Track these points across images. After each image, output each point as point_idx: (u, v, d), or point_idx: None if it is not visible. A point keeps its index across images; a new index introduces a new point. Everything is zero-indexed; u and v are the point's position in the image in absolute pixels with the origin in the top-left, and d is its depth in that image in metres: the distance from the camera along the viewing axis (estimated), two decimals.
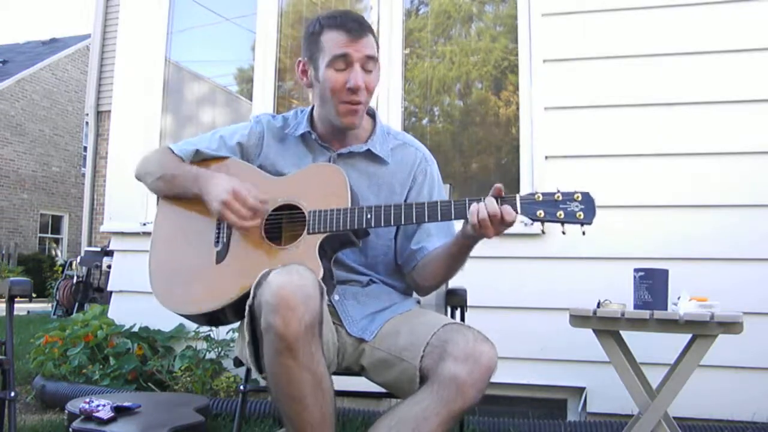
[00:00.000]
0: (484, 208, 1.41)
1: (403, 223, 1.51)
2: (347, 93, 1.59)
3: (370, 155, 1.70)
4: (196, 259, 1.62)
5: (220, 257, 1.60)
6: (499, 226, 1.42)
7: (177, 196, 1.70)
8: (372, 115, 1.77)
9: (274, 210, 1.60)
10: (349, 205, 1.53)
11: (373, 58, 1.61)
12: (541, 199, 1.43)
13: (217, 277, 1.58)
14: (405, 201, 1.70)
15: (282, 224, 1.61)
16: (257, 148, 1.74)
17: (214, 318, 1.58)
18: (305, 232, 1.54)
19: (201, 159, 1.72)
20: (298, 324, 1.26)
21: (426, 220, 1.50)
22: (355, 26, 1.59)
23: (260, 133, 1.75)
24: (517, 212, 1.42)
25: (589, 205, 1.41)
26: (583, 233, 1.42)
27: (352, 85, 1.58)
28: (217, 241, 1.63)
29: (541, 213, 1.42)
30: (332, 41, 1.59)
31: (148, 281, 1.66)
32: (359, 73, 1.58)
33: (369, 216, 1.50)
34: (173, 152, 1.72)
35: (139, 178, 1.78)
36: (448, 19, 3.62)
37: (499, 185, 1.44)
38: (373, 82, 1.63)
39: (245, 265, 1.54)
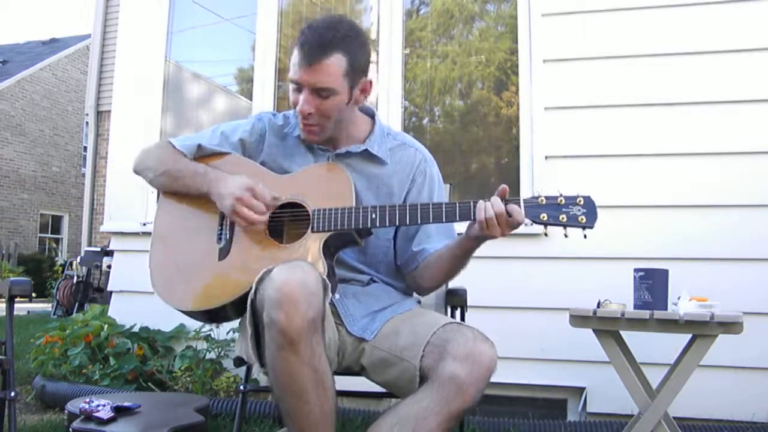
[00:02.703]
0: (490, 206, 1.43)
1: (408, 223, 1.51)
2: (300, 113, 1.58)
3: (367, 155, 1.69)
4: (198, 255, 1.61)
5: (223, 254, 1.59)
6: (506, 226, 1.43)
7: (180, 192, 1.69)
8: (371, 115, 1.76)
9: (277, 208, 1.60)
10: (354, 204, 1.53)
11: (325, 90, 1.53)
12: (544, 202, 1.44)
13: (220, 274, 1.58)
14: (404, 201, 1.69)
15: (285, 222, 1.61)
16: (259, 145, 1.73)
17: (215, 315, 1.57)
18: (309, 230, 1.54)
19: (202, 155, 1.71)
20: (301, 319, 1.27)
21: (431, 220, 1.50)
22: (313, 50, 1.50)
23: (262, 130, 1.74)
24: None
25: (591, 210, 1.43)
26: (585, 236, 1.45)
27: (298, 110, 1.57)
28: (220, 238, 1.62)
29: (544, 216, 1.44)
30: (293, 59, 1.56)
31: (149, 278, 1.65)
32: (308, 99, 1.55)
33: (374, 216, 1.51)
34: (175, 147, 1.70)
35: (137, 171, 1.75)
36: (449, 19, 3.62)
37: (504, 186, 1.45)
38: (329, 107, 1.56)
39: (248, 263, 1.54)
